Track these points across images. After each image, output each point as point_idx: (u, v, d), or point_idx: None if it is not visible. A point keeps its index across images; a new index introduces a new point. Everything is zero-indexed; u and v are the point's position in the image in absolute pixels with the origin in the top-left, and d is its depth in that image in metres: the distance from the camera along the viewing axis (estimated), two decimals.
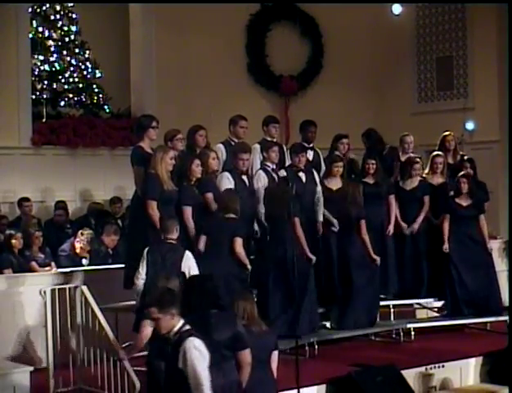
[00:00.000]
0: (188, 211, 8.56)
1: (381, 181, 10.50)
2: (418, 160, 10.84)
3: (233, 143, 9.77)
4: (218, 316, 6.05)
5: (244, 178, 9.43)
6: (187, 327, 5.56)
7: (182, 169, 8.73)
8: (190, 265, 7.79)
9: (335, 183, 10.21)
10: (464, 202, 10.57)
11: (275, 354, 6.76)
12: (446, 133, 11.29)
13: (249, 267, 8.78)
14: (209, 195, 8.87)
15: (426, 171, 10.90)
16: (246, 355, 6.08)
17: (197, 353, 5.38)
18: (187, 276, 7.65)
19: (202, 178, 8.85)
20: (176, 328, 5.51)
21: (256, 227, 9.50)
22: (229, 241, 8.63)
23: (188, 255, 7.86)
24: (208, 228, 8.73)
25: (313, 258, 9.36)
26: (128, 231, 9.17)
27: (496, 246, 11.46)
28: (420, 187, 10.69)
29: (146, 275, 7.71)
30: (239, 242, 8.64)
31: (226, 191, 9.02)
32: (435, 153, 10.94)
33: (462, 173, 10.69)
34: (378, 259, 9.94)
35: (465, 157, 11.36)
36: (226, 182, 9.23)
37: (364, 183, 10.41)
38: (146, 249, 7.91)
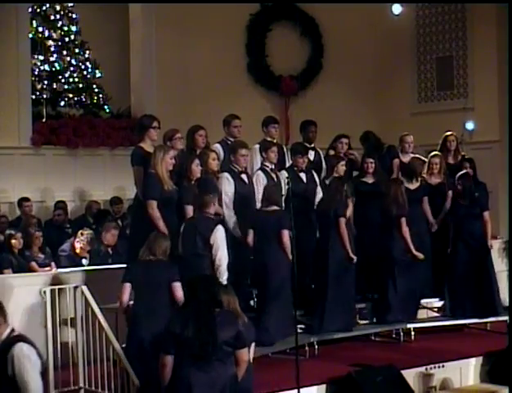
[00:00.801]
0: (190, 210, 8.56)
1: (380, 181, 10.49)
2: (424, 161, 10.86)
3: (229, 143, 9.77)
4: (223, 315, 6.25)
5: (244, 176, 9.42)
6: (16, 333, 5.63)
7: (182, 169, 8.72)
8: (216, 237, 8.11)
9: None
10: (463, 202, 10.60)
11: (253, 345, 7.11)
12: (448, 133, 11.29)
13: (291, 256, 8.98)
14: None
15: (424, 171, 10.89)
16: (245, 354, 6.29)
17: (25, 359, 5.38)
18: (213, 248, 8.07)
19: (202, 178, 8.85)
20: (4, 335, 5.53)
21: None
22: (275, 234, 8.98)
23: (219, 228, 8.19)
24: (254, 221, 9.13)
25: (354, 258, 9.57)
26: (130, 231, 9.17)
27: (496, 246, 11.44)
28: (422, 187, 10.70)
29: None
30: (285, 234, 8.97)
31: (268, 185, 9.38)
32: (432, 153, 10.93)
33: (460, 173, 10.70)
34: (421, 255, 10.15)
35: (465, 157, 11.36)
36: (226, 182, 9.22)
37: (363, 183, 10.40)
38: (184, 223, 8.29)
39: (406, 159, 10.97)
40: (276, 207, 9.13)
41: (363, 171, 10.47)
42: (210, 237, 8.11)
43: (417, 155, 10.98)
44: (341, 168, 10.20)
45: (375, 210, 10.22)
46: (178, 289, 7.46)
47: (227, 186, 9.20)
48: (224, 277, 8.05)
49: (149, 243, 7.69)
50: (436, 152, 10.97)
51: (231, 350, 6.16)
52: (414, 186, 10.67)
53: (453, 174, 10.92)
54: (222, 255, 8.12)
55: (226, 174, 9.29)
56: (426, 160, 11.04)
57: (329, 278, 9.53)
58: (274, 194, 9.18)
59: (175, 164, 8.52)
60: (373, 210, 10.20)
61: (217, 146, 9.74)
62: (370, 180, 10.43)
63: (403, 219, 10.12)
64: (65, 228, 12.71)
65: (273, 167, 9.77)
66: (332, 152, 10.68)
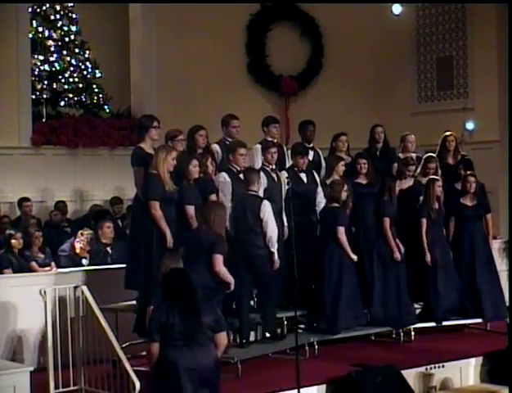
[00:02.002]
0: (191, 210, 8.56)
1: (374, 181, 10.43)
2: (413, 161, 10.74)
3: (228, 143, 9.75)
4: (203, 301, 6.84)
5: (242, 176, 9.39)
6: None
7: (181, 170, 8.71)
8: (265, 212, 8.90)
9: None
10: (469, 202, 10.54)
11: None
12: (448, 133, 11.22)
13: (355, 257, 9.60)
14: (213, 197, 8.87)
15: (418, 171, 10.79)
16: (224, 337, 6.82)
17: None
18: (263, 221, 8.85)
19: (201, 179, 8.84)
20: None
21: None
22: (333, 229, 9.56)
23: (265, 203, 8.95)
24: (320, 218, 9.83)
25: (398, 256, 9.91)
26: (130, 232, 9.16)
27: (496, 246, 11.44)
28: (415, 187, 10.61)
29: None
30: (340, 231, 9.54)
31: (333, 183, 9.83)
32: (428, 155, 10.77)
33: (469, 172, 10.64)
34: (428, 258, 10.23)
35: (462, 158, 11.20)
36: (223, 181, 9.20)
37: (357, 184, 10.31)
38: (231, 204, 8.94)
39: None
40: (336, 204, 9.64)
41: (356, 172, 10.38)
42: (259, 212, 8.81)
43: (408, 156, 10.87)
44: (341, 168, 10.17)
45: (369, 211, 10.17)
46: (218, 261, 7.98)
47: (224, 185, 9.19)
48: (275, 247, 8.88)
49: (202, 210, 8.32)
50: (431, 154, 10.85)
51: (211, 334, 6.68)
52: (405, 185, 10.61)
53: (451, 175, 10.86)
54: (272, 227, 8.90)
55: (223, 174, 9.27)
56: (418, 159, 10.96)
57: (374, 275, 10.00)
58: (336, 191, 9.66)
59: (175, 165, 8.51)
60: (367, 211, 10.15)
61: (216, 147, 9.72)
62: (363, 181, 10.35)
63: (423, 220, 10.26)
64: (62, 227, 12.72)
65: (274, 167, 9.76)
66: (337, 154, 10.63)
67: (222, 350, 6.83)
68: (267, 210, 8.89)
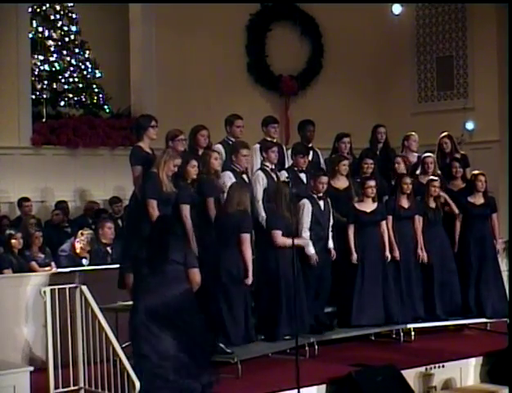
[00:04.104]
0: (186, 209, 8.56)
1: (379, 182, 10.43)
2: (399, 155, 10.75)
3: (231, 143, 9.76)
4: (174, 238, 7.35)
5: (245, 177, 9.43)
6: None
7: (179, 170, 8.71)
8: (300, 211, 9.40)
9: (342, 183, 10.17)
10: (477, 201, 10.52)
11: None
12: (442, 134, 11.21)
13: (354, 257, 9.82)
14: (211, 200, 8.85)
15: (418, 172, 10.80)
16: (196, 274, 7.28)
17: None
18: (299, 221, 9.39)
19: (202, 180, 8.83)
20: None
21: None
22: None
23: (301, 202, 9.41)
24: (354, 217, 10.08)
25: (397, 255, 10.01)
26: (126, 231, 9.15)
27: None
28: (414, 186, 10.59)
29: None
30: (347, 228, 9.95)
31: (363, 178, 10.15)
32: (426, 154, 10.80)
33: (478, 171, 10.61)
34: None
35: (456, 156, 11.13)
36: (229, 181, 9.21)
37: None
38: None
39: (413, 158, 10.89)
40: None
41: (362, 172, 10.38)
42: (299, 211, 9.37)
43: (403, 154, 10.88)
44: (342, 168, 10.15)
45: None
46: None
47: (229, 184, 9.20)
48: (306, 245, 9.35)
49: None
50: (429, 153, 10.85)
51: (182, 269, 7.18)
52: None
53: (446, 175, 10.84)
54: (302, 227, 9.38)
55: (228, 173, 9.29)
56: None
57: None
58: (362, 188, 9.99)
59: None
60: None
61: (219, 147, 9.72)
62: None
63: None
64: (63, 227, 12.72)
65: (273, 167, 9.76)
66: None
67: (195, 287, 7.27)
68: (301, 208, 9.39)
